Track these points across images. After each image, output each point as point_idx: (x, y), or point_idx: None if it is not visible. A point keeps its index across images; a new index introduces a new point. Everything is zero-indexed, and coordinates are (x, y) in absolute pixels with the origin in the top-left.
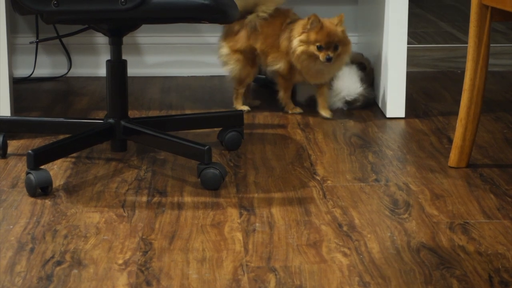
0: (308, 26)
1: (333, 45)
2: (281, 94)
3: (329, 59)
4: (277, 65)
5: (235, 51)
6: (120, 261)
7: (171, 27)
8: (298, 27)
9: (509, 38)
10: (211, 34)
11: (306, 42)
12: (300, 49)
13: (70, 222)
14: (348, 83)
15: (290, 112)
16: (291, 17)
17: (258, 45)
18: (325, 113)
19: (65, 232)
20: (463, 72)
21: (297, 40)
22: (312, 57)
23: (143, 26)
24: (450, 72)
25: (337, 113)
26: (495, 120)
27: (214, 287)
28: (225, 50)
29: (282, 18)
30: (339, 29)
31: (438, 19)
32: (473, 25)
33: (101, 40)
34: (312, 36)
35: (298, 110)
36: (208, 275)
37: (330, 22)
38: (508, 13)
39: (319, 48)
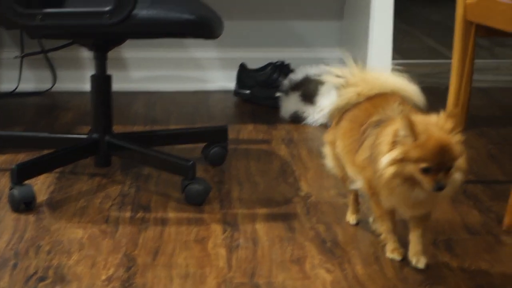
0: (402, 134)
1: (447, 165)
2: (379, 226)
3: (440, 188)
4: (356, 183)
5: (327, 141)
6: (103, 277)
7: (156, 42)
8: (387, 135)
9: (494, 54)
10: (196, 49)
11: (402, 160)
12: (390, 171)
13: (53, 237)
14: (333, 99)
15: (387, 254)
16: (390, 109)
17: (337, 143)
18: (417, 261)
19: (48, 247)
20: (447, 88)
21: (387, 159)
22: (410, 182)
23: (128, 41)
24: (434, 87)
25: (321, 129)
26: (479, 136)
27: None
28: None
29: (372, 109)
30: (454, 139)
31: (422, 35)
32: (458, 41)
33: (86, 54)
34: (413, 151)
35: (397, 256)
36: None
37: (440, 127)
38: (492, 29)
39: (425, 171)
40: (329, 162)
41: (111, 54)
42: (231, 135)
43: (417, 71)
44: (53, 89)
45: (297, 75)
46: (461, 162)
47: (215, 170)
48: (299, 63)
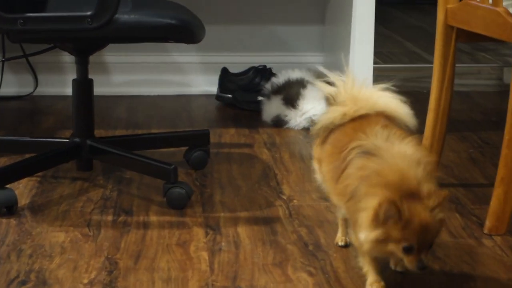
0: (382, 216)
1: (429, 244)
2: (361, 259)
3: (423, 268)
4: (340, 210)
5: (315, 157)
6: (85, 281)
7: (138, 46)
8: (368, 206)
9: (474, 59)
10: (178, 53)
11: (383, 241)
12: (369, 247)
13: (35, 241)
14: (314, 103)
15: (366, 287)
16: (372, 133)
17: (322, 165)
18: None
19: (30, 251)
20: (428, 92)
21: (367, 237)
22: (390, 254)
23: (110, 45)
24: (415, 92)
25: (303, 132)
26: (460, 140)
27: None
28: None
29: (352, 133)
30: (437, 216)
31: (404, 40)
32: (439, 46)
33: (68, 59)
34: (396, 231)
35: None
36: None
37: (424, 204)
38: (473, 34)
39: (407, 250)
40: (318, 177)
41: (92, 58)
42: (213, 139)
43: (398, 75)
44: (35, 93)
45: (279, 79)
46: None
47: (197, 174)
48: (281, 67)
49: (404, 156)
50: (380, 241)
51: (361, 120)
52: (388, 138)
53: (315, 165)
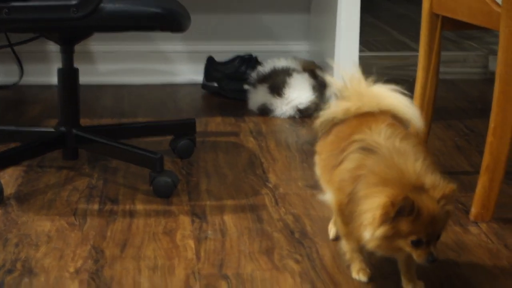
0: (392, 214)
1: (437, 235)
2: (344, 244)
3: (433, 261)
4: (326, 195)
5: (317, 151)
6: (72, 270)
7: (123, 35)
8: (373, 206)
9: (460, 47)
10: (163, 42)
11: (391, 237)
12: (377, 244)
13: (21, 230)
14: (300, 91)
15: (353, 275)
16: (376, 131)
17: (321, 155)
18: (413, 287)
19: (16, 240)
20: (414, 80)
21: (377, 234)
22: (397, 250)
23: (96, 34)
24: (401, 80)
25: (289, 121)
26: (446, 128)
27: None
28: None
29: (357, 127)
30: (445, 208)
31: (389, 28)
32: (424, 34)
33: (53, 48)
34: (404, 226)
35: (363, 277)
36: (160, 283)
37: (431, 196)
38: (458, 22)
39: (416, 244)
40: (317, 171)
41: (78, 47)
42: (199, 127)
43: (384, 63)
44: (20, 82)
45: (264, 68)
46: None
47: (183, 162)
48: (266, 56)
49: (401, 152)
50: (388, 238)
51: (368, 116)
52: (391, 137)
53: (316, 158)
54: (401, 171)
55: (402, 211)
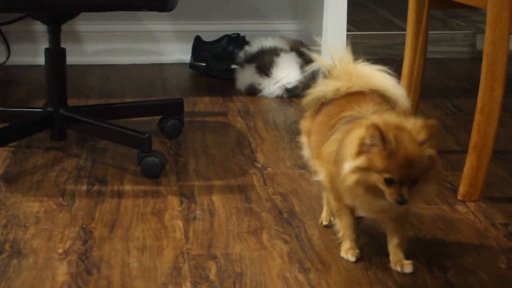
0: (368, 142)
1: (412, 178)
2: (337, 222)
3: (401, 202)
4: (319, 175)
5: (303, 130)
6: (60, 250)
7: (110, 15)
8: (353, 139)
9: (448, 25)
10: (151, 22)
11: (366, 169)
12: (353, 178)
13: (9, 211)
14: (288, 71)
15: (341, 254)
16: (365, 108)
17: (311, 137)
18: (402, 268)
19: (4, 221)
20: (402, 59)
21: (350, 165)
22: (373, 190)
23: (82, 14)
24: (389, 59)
25: (277, 100)
26: (433, 107)
27: (155, 275)
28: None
29: (346, 106)
30: (425, 152)
31: (377, 7)
32: (412, 13)
33: (40, 28)
34: (378, 161)
35: (351, 256)
36: (149, 263)
37: (411, 137)
38: (446, 0)
39: (389, 182)
40: (306, 153)
41: (65, 27)
42: (187, 107)
43: (372, 42)
44: (7, 63)
45: (252, 48)
46: (433, 173)
47: (171, 142)
48: (254, 35)
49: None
50: (363, 170)
51: (356, 95)
52: (378, 111)
53: (303, 139)
54: (384, 117)
55: (375, 141)
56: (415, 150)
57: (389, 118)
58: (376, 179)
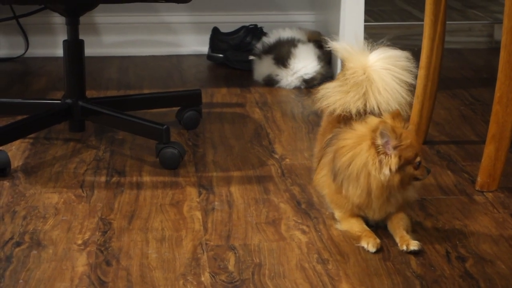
0: (380, 142)
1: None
2: (349, 229)
3: (429, 171)
4: (324, 190)
5: (318, 138)
6: (79, 241)
7: (128, 6)
8: (362, 152)
9: (465, 16)
10: (169, 13)
11: (404, 165)
12: (397, 178)
13: (29, 203)
14: (306, 62)
15: (361, 243)
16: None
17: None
18: (408, 246)
19: (24, 213)
20: (419, 50)
21: (392, 169)
22: (406, 182)
23: (101, 6)
24: (407, 49)
25: (295, 91)
26: (451, 97)
27: (174, 266)
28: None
29: (335, 123)
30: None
31: None
32: (429, 3)
33: (59, 20)
34: (407, 152)
35: (372, 247)
36: (168, 254)
37: (395, 124)
38: None
39: (418, 165)
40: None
41: (83, 19)
42: (205, 98)
43: (389, 33)
44: (26, 55)
45: (270, 39)
46: None
47: (189, 134)
48: (272, 26)
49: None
50: (399, 167)
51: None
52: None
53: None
54: (367, 122)
55: (386, 135)
56: (412, 133)
57: (370, 121)
58: (409, 168)
